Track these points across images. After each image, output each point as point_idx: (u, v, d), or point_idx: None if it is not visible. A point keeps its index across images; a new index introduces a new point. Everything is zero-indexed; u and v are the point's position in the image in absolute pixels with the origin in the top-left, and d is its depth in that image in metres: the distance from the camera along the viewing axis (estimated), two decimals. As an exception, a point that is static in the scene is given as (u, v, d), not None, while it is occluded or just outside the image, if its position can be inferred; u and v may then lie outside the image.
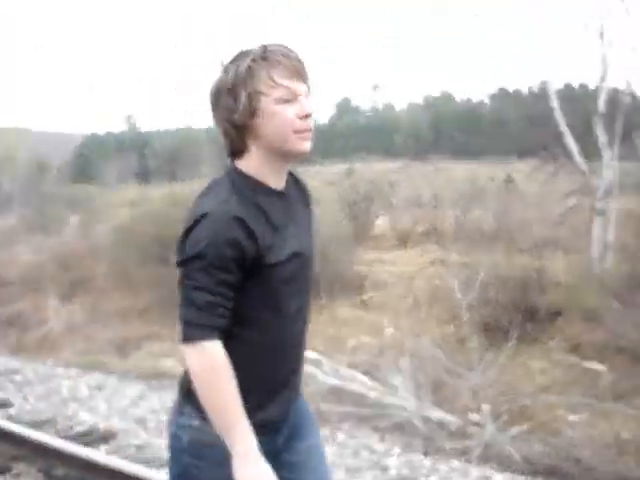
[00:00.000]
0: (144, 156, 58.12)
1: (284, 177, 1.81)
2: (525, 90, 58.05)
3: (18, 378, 7.02)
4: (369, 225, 17.59)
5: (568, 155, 12.58)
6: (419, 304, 11.96)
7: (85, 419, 5.55)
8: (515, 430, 5.71)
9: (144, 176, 48.57)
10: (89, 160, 55.45)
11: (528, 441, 5.47)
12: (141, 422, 5.48)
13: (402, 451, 4.87)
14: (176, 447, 1.81)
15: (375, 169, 27.50)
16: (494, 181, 22.38)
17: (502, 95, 65.01)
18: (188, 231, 1.66)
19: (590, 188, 12.23)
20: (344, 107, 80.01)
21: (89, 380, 6.87)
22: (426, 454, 4.79)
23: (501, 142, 47.83)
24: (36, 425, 5.24)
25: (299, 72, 1.71)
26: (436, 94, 78.27)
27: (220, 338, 1.66)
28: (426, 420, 5.62)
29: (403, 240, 16.82)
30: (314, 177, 19.12)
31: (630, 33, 12.15)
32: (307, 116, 1.71)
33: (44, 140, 62.73)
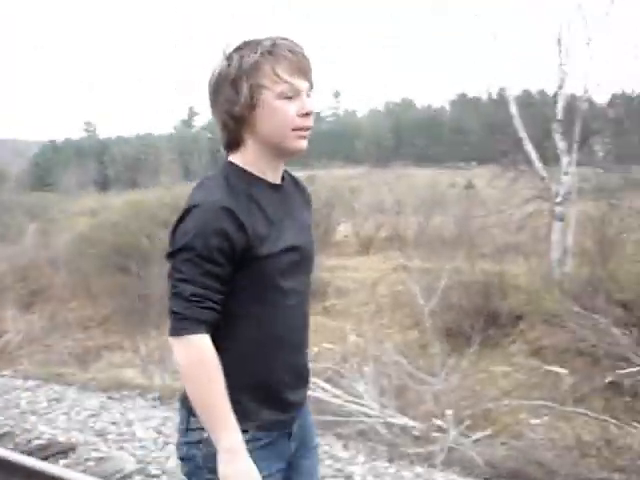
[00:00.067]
0: (103, 163, 57.62)
1: (279, 173, 1.78)
2: (484, 96, 58.73)
3: (-25, 391, 6.87)
4: (331, 232, 17.65)
5: (528, 161, 12.75)
6: (382, 310, 12.02)
7: (44, 432, 5.45)
8: (478, 434, 5.75)
9: (104, 184, 48.18)
10: (47, 168, 54.69)
11: (491, 445, 5.50)
12: (101, 434, 5.40)
13: (366, 458, 4.85)
14: (192, 468, 1.72)
15: (336, 175, 27.60)
16: (455, 187, 22.63)
17: (462, 101, 65.63)
18: (178, 223, 1.64)
19: (549, 193, 12.40)
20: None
21: (48, 392, 6.74)
22: (391, 460, 4.78)
23: (461, 149, 48.28)
24: (-7, 439, 5.13)
25: (304, 69, 1.69)
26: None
27: (208, 332, 1.62)
28: (390, 426, 5.62)
29: (366, 246, 16.91)
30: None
31: (587, 40, 12.21)
32: (307, 114, 1.69)
33: (-1, 147, 61.71)
